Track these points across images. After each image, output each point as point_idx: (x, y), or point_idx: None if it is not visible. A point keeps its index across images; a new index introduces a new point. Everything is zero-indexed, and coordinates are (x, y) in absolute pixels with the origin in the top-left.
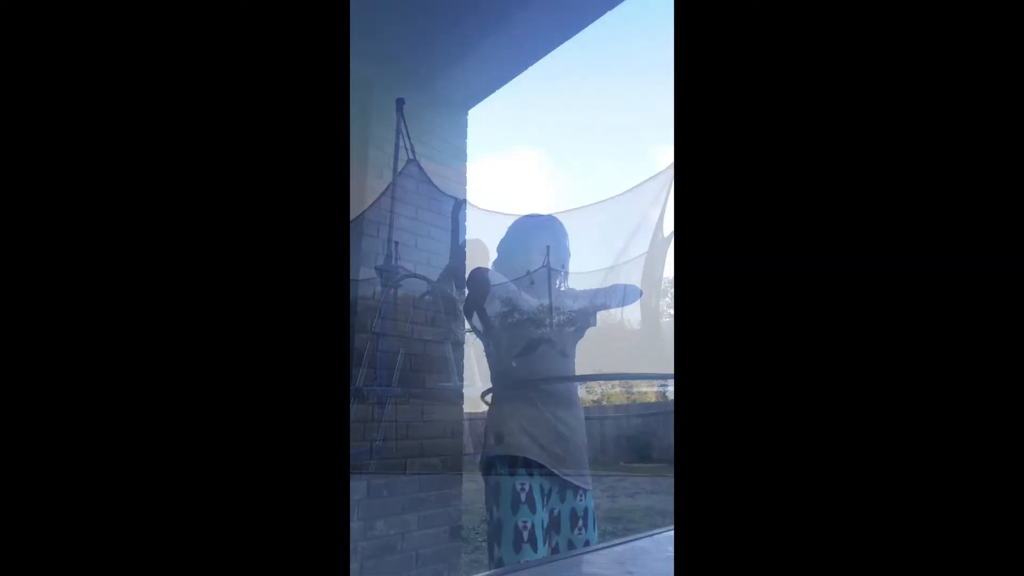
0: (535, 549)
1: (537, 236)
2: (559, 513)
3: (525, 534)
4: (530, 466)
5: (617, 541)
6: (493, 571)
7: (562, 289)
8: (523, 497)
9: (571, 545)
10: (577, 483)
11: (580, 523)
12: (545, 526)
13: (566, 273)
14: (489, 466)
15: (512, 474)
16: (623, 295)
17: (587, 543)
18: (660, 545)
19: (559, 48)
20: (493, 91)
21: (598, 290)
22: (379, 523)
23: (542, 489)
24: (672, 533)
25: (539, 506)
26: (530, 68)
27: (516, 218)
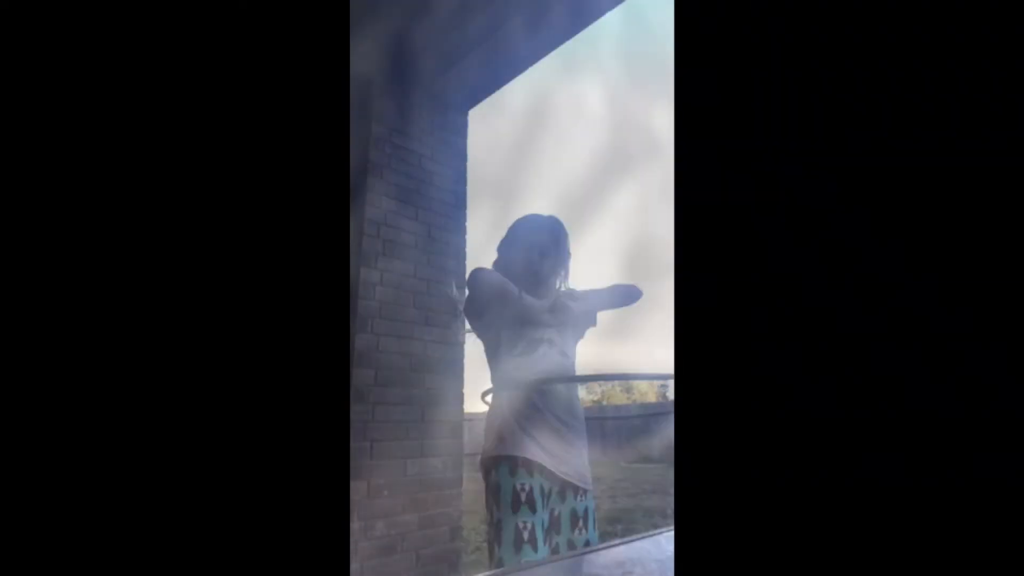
0: (535, 549)
1: (539, 236)
2: (559, 514)
3: (525, 534)
4: (530, 466)
5: (617, 541)
6: (493, 571)
7: (562, 289)
8: (523, 497)
9: (571, 545)
10: (577, 483)
11: (580, 523)
12: (546, 526)
13: (567, 273)
14: (489, 466)
15: (512, 474)
16: (625, 295)
17: (587, 543)
18: (660, 545)
19: (560, 48)
20: (493, 91)
21: (599, 290)
22: (379, 523)
23: (542, 489)
24: (672, 533)
25: (539, 506)
26: (530, 68)
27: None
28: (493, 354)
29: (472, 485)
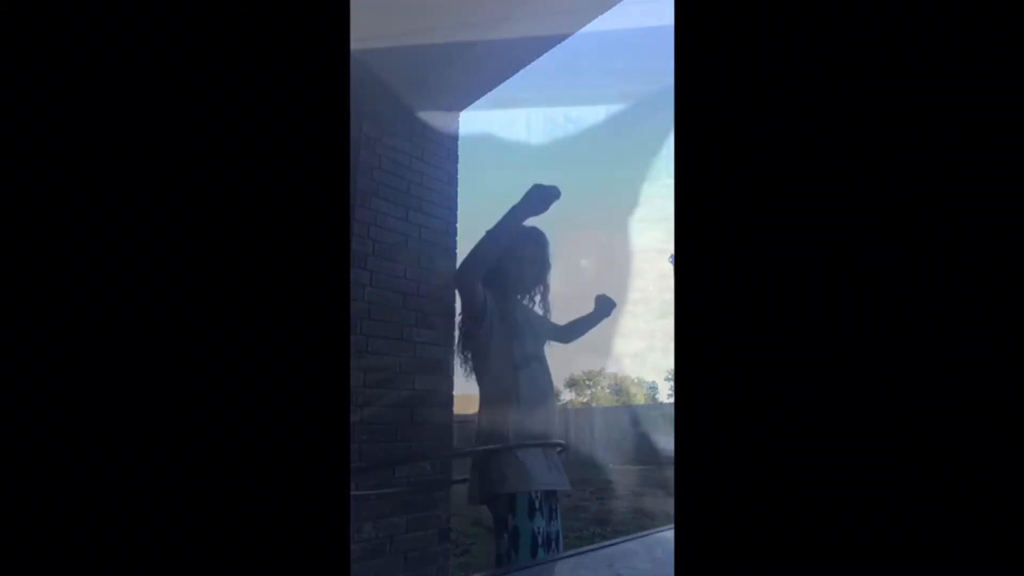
0: (546, 552)
1: (523, 247)
2: (550, 510)
3: (540, 539)
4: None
5: (606, 543)
6: (489, 572)
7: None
8: (537, 504)
9: (548, 537)
10: (565, 489)
11: (554, 513)
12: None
13: (546, 287)
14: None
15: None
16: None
17: (558, 533)
18: (649, 547)
19: (552, 50)
20: (486, 93)
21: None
22: (367, 526)
23: (538, 494)
24: (660, 535)
25: (541, 511)
26: (523, 70)
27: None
28: (483, 362)
29: (460, 487)
